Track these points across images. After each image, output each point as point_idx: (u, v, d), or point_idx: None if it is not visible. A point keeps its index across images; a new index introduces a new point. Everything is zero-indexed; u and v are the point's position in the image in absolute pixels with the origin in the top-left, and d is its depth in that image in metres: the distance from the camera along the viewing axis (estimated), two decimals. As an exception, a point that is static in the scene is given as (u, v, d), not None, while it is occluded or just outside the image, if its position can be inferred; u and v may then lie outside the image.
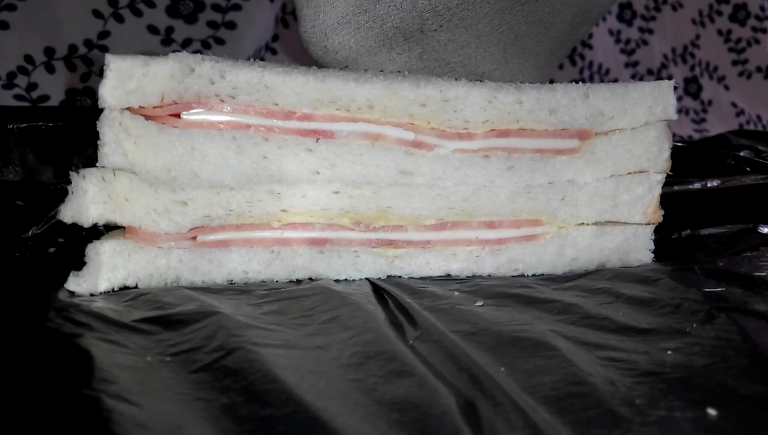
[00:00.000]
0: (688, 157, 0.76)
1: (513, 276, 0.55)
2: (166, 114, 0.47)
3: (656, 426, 0.32)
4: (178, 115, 0.47)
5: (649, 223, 0.58)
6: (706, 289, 0.47)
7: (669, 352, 0.40)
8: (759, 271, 0.50)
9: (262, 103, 0.48)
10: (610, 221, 0.57)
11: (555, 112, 0.53)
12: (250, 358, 0.36)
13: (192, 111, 0.47)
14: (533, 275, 0.56)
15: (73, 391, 0.32)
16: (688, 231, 0.63)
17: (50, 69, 0.87)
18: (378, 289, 0.50)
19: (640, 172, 0.57)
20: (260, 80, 0.48)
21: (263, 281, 0.51)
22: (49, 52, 0.87)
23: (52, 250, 0.55)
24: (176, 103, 0.47)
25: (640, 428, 0.32)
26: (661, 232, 0.59)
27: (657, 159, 0.57)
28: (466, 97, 0.51)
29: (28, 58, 0.86)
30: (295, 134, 0.49)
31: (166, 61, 0.46)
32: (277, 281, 0.52)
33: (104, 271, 0.48)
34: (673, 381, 0.36)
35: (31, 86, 0.86)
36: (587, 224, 0.57)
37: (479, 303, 0.47)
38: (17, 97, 0.85)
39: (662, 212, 0.58)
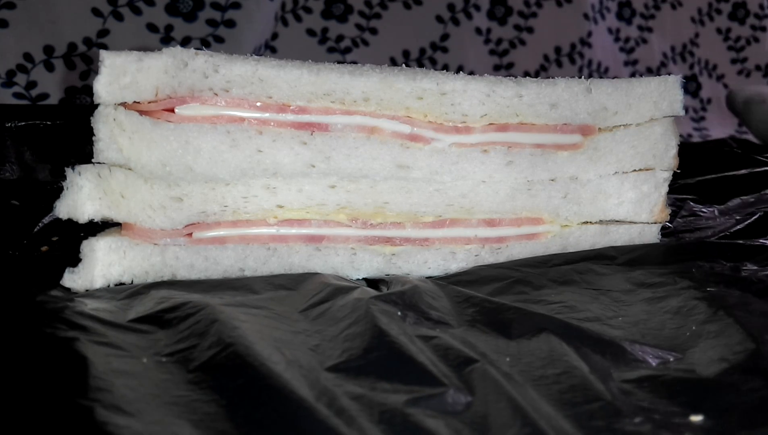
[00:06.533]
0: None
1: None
2: (160, 109, 0.47)
3: (657, 423, 0.32)
4: (172, 110, 0.47)
5: (655, 222, 0.57)
6: (708, 289, 0.47)
7: (670, 350, 0.39)
8: (760, 271, 0.50)
9: (256, 97, 0.48)
10: (614, 220, 0.57)
11: (556, 107, 0.53)
12: (245, 354, 0.36)
13: (186, 105, 0.47)
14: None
15: (68, 401, 0.32)
16: (693, 235, 0.63)
17: (50, 67, 0.87)
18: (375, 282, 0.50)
19: (646, 169, 0.56)
20: (254, 74, 0.48)
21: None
22: (49, 50, 0.87)
23: (44, 248, 0.55)
24: (170, 98, 0.47)
25: (641, 423, 0.32)
26: (667, 235, 0.59)
27: (663, 156, 0.56)
28: (463, 90, 0.51)
29: (28, 57, 0.86)
30: (289, 127, 0.49)
31: (159, 57, 0.46)
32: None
33: (100, 268, 0.48)
34: (675, 379, 0.36)
35: (31, 84, 0.86)
36: (591, 223, 0.56)
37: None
38: (16, 95, 0.86)
39: (669, 211, 0.57)
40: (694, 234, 0.62)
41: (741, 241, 0.55)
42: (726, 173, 0.78)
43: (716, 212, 0.68)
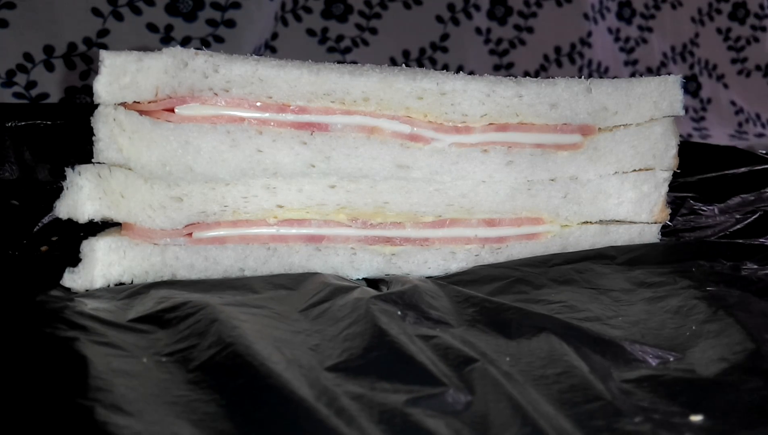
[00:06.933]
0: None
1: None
2: (160, 109, 0.47)
3: (657, 423, 0.32)
4: (172, 110, 0.47)
5: (655, 222, 0.57)
6: (708, 288, 0.47)
7: (670, 349, 0.39)
8: (760, 270, 0.50)
9: (256, 97, 0.48)
10: (614, 220, 0.57)
11: (556, 107, 0.53)
12: (245, 354, 0.36)
13: (186, 105, 0.47)
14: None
15: (68, 401, 0.32)
16: (693, 234, 0.63)
17: (50, 67, 0.87)
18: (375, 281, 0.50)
19: (646, 169, 0.56)
20: (254, 73, 0.48)
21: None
22: (49, 50, 0.87)
23: (44, 248, 0.55)
24: (170, 98, 0.47)
25: (640, 423, 0.32)
26: (667, 234, 0.59)
27: (663, 156, 0.56)
28: (463, 90, 0.51)
29: (28, 56, 0.86)
30: (289, 127, 0.49)
31: (159, 57, 0.46)
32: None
33: (100, 268, 0.48)
34: (675, 379, 0.36)
35: (31, 84, 0.86)
36: (591, 223, 0.56)
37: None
38: (16, 95, 0.86)
39: (669, 211, 0.57)
40: (694, 233, 0.62)
41: (741, 241, 0.56)
42: (726, 171, 0.78)
43: (716, 210, 0.68)
